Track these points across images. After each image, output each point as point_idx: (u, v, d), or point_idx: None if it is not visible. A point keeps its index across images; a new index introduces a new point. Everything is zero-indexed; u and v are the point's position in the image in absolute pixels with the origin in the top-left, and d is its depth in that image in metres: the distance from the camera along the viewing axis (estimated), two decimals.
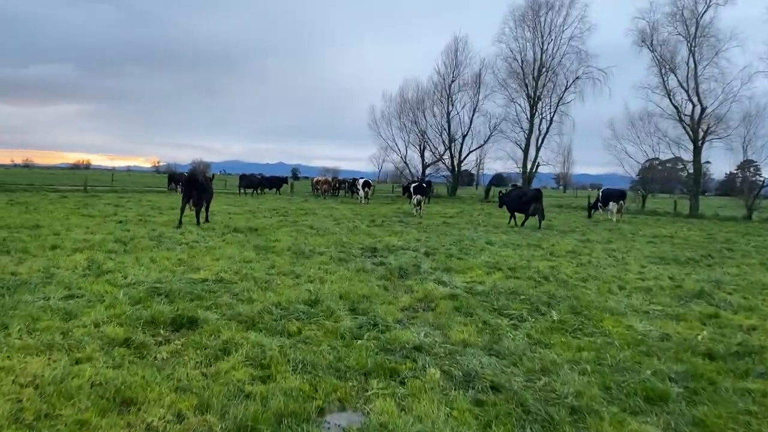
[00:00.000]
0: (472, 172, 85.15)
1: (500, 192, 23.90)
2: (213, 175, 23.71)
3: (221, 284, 7.63)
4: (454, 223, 20.51)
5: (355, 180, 38.29)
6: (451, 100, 49.59)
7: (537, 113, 45.48)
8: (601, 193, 28.19)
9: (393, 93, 54.67)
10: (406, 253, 11.72)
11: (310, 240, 13.05)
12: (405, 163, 52.73)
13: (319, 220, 18.88)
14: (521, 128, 46.10)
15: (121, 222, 15.37)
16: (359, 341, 5.45)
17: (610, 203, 26.94)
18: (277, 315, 6.13)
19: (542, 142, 45.70)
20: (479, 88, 48.45)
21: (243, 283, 7.78)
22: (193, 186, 15.38)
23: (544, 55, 44.49)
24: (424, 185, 27.22)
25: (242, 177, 40.26)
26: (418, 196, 24.52)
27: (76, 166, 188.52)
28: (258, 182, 40.24)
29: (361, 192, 35.01)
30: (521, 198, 20.78)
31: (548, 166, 48.06)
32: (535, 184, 48.44)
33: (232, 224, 15.77)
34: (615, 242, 16.19)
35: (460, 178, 55.92)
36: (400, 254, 11.55)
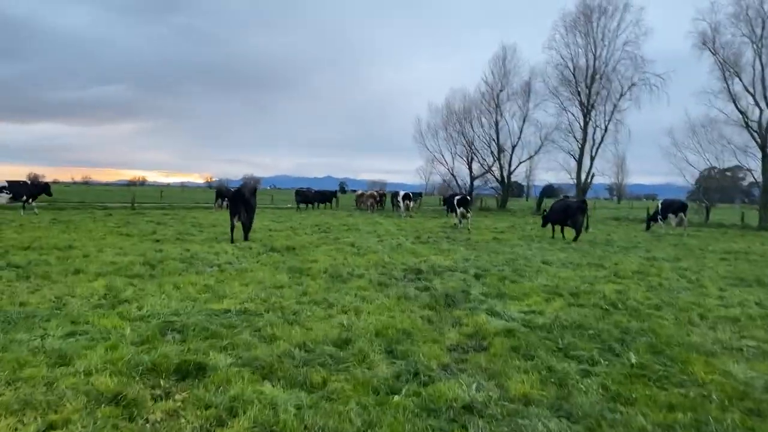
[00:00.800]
0: (522, 183, 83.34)
1: (543, 211, 22.63)
2: (257, 188, 23.33)
3: (244, 316, 6.76)
4: (505, 238, 19.29)
5: (396, 193, 37.39)
6: (500, 110, 48.20)
7: (590, 122, 43.65)
8: (660, 204, 26.44)
9: (439, 104, 53.71)
10: (454, 276, 10.68)
11: (349, 260, 12.15)
12: (452, 175, 51.49)
13: (361, 237, 18.00)
14: (574, 137, 44.33)
15: (158, 241, 14.87)
16: (396, 397, 4.45)
17: (670, 215, 25.28)
18: (300, 360, 5.18)
19: (597, 151, 43.81)
20: (529, 96, 46.98)
21: (268, 315, 6.90)
22: (240, 201, 15.43)
23: (597, 62, 42.74)
24: (468, 198, 26.40)
25: (298, 192, 40.35)
26: (462, 209, 23.88)
27: (132, 183, 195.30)
28: (313, 197, 40.17)
29: (402, 205, 34.20)
30: (566, 210, 19.73)
31: (603, 176, 46.00)
32: (588, 196, 46.55)
33: (270, 243, 15.04)
34: (684, 260, 14.68)
35: (510, 190, 54.26)
36: (447, 277, 10.51)
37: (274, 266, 10.84)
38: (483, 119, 49.25)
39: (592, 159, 43.87)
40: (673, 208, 25.41)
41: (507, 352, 5.82)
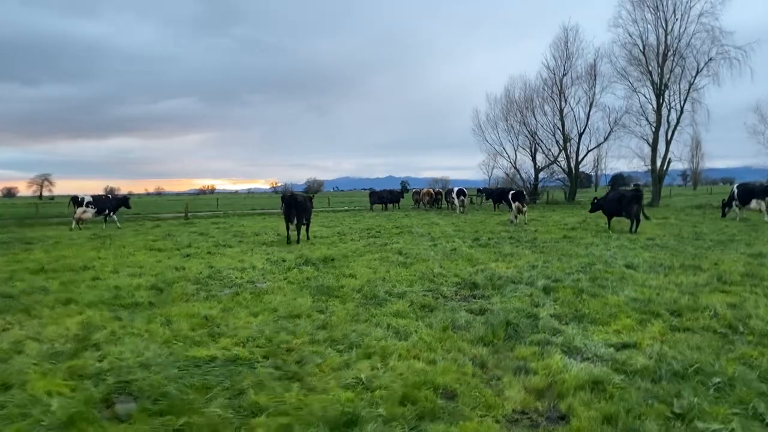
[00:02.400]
0: (590, 173, 78.77)
1: (594, 198, 21.28)
2: (312, 196, 23.30)
3: (231, 368, 5.07)
4: (577, 236, 16.95)
5: (450, 190, 36.72)
6: (564, 96, 44.91)
7: (664, 103, 39.88)
8: (735, 189, 24.19)
9: (498, 94, 50.91)
10: (518, 290, 8.68)
11: (392, 273, 10.33)
12: (515, 168, 48.66)
13: (412, 241, 16.15)
14: (647, 121, 40.57)
15: (187, 256, 13.53)
16: None
17: (753, 200, 22.74)
18: None
19: (672, 135, 39.88)
20: (595, 80, 43.59)
21: (264, 365, 5.18)
22: (293, 206, 16.23)
23: (669, 37, 38.87)
24: (524, 191, 25.31)
25: (372, 193, 40.52)
26: (517, 204, 22.79)
27: (202, 192, 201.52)
28: (387, 197, 39.86)
29: (457, 201, 33.49)
30: (620, 200, 18.64)
31: (681, 161, 42.22)
32: (665, 183, 42.94)
33: (309, 253, 13.44)
34: None
35: (578, 181, 50.87)
36: (510, 292, 8.52)
37: (301, 285, 9.16)
38: (546, 107, 46.20)
39: (668, 143, 40.08)
40: (756, 192, 23.04)
41: (597, 426, 3.86)
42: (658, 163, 40.25)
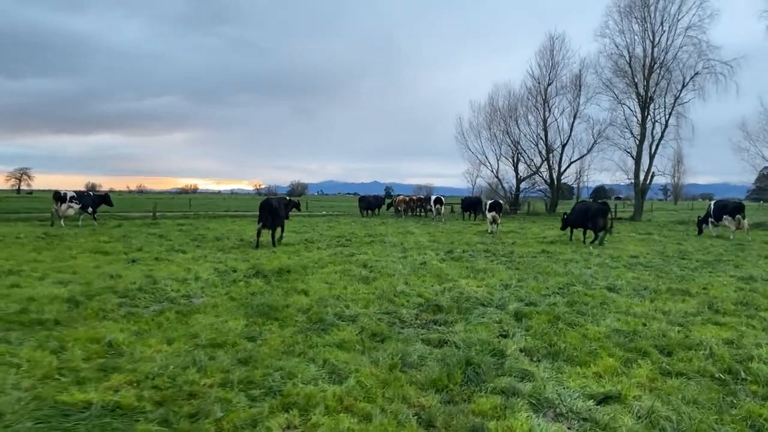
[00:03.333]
0: (572, 185, 78.12)
1: (565, 214, 21.01)
2: (298, 201, 23.28)
3: (102, 424, 3.93)
4: (556, 251, 15.99)
5: (427, 198, 37.44)
6: (548, 106, 44.25)
7: (649, 116, 39.37)
8: (712, 206, 24.12)
9: (482, 102, 50.06)
10: (486, 314, 7.64)
11: (350, 289, 9.23)
12: (497, 177, 47.80)
13: (382, 252, 15.07)
14: (631, 133, 40.05)
15: (133, 261, 12.33)
16: None
17: (725, 217, 22.91)
18: None
19: (656, 149, 39.35)
20: (579, 90, 42.97)
21: (149, 417, 4.06)
22: (267, 210, 16.14)
23: (655, 49, 38.36)
24: (500, 202, 25.28)
25: (362, 199, 40.64)
26: (493, 214, 22.78)
27: (184, 191, 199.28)
28: (375, 203, 40.37)
29: (434, 209, 33.59)
30: (586, 212, 18.74)
31: (665, 176, 41.69)
32: (648, 196, 42.38)
33: (265, 263, 12.32)
34: None
35: (560, 192, 50.14)
36: (476, 317, 7.48)
37: (241, 303, 8.00)
38: (530, 116, 45.47)
39: (652, 157, 39.50)
40: (728, 209, 22.97)
41: None
42: (641, 177, 39.70)
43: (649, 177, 39.78)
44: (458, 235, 21.65)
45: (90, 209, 24.11)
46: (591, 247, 17.20)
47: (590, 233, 18.93)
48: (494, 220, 22.99)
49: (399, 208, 38.25)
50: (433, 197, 34.90)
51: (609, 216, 18.63)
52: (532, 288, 9.73)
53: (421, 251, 15.43)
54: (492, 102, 46.94)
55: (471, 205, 36.46)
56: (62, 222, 22.78)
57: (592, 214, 18.40)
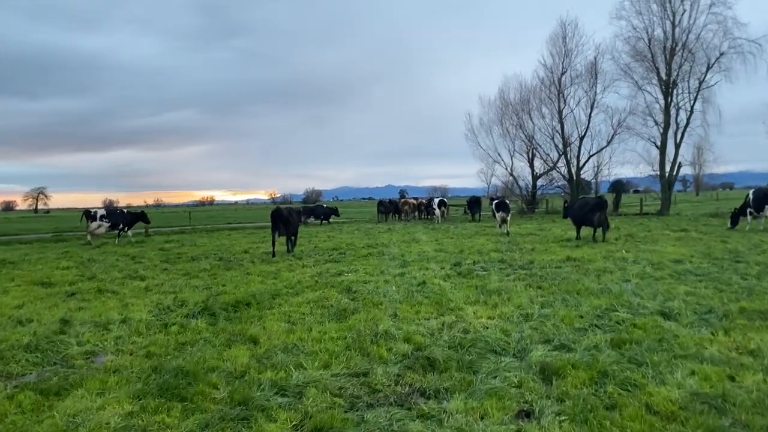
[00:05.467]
0: (590, 179, 74.77)
1: (565, 202, 22.18)
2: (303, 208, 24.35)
3: None
4: (583, 258, 13.50)
5: (431, 199, 36.38)
6: (563, 96, 41.32)
7: (672, 102, 36.55)
8: (751, 195, 21.82)
9: (492, 96, 47.25)
10: (499, 370, 5.31)
11: (314, 332, 6.88)
12: (511, 175, 45.02)
13: (376, 269, 12.72)
14: (654, 121, 37.16)
15: (71, 296, 10.16)
16: None
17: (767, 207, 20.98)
18: None
19: (682, 137, 36.53)
20: (596, 78, 40.00)
21: None
22: (278, 219, 16.33)
23: (677, 30, 35.58)
24: (507, 201, 23.83)
25: (380, 203, 39.34)
26: (502, 213, 21.92)
27: (201, 203, 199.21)
28: (392, 207, 38.85)
29: (437, 212, 32.82)
30: (583, 208, 18.46)
31: (693, 166, 38.87)
32: (676, 188, 39.52)
33: (229, 290, 10.10)
34: None
35: (579, 188, 47.24)
36: (485, 378, 5.13)
37: (154, 366, 5.69)
38: (543, 109, 42.49)
39: (677, 146, 36.63)
40: None
41: None
42: (667, 168, 36.88)
43: (676, 167, 36.97)
44: (469, 241, 19.21)
45: (122, 227, 23.74)
46: (599, 244, 16.89)
47: (592, 229, 18.31)
48: (503, 220, 22.04)
49: (404, 211, 37.09)
50: (436, 200, 34.26)
51: (607, 211, 18.30)
52: (562, 318, 7.32)
53: (423, 265, 13.06)
54: (503, 95, 44.22)
55: (472, 205, 35.47)
56: (90, 240, 22.52)
57: (589, 210, 17.97)
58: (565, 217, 20.43)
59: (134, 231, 25.33)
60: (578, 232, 18.87)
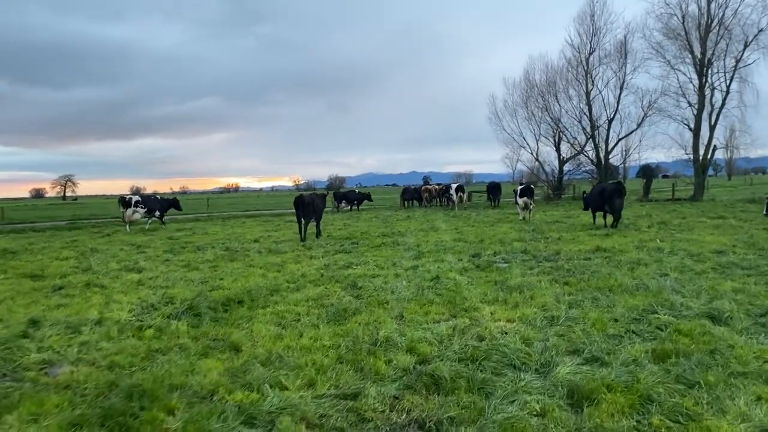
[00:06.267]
0: (619, 164, 72.40)
1: (584, 192, 21.18)
2: (327, 193, 24.77)
3: None
4: (614, 248, 12.40)
5: (448, 186, 35.10)
6: (591, 77, 39.53)
7: (707, 82, 34.70)
8: None
9: (516, 78, 45.52)
10: (518, 391, 4.39)
11: (306, 337, 5.99)
12: (537, 160, 43.42)
13: (388, 260, 11.80)
14: (688, 102, 35.32)
15: (58, 290, 9.45)
16: None
17: None
18: None
19: (717, 119, 34.65)
20: (626, 58, 38.16)
21: None
22: (301, 205, 16.42)
23: (712, 5, 33.71)
24: (532, 186, 22.94)
25: (405, 190, 39.57)
26: (525, 199, 21.31)
27: (226, 190, 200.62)
28: (416, 194, 38.49)
29: (455, 197, 31.81)
30: (601, 194, 17.79)
31: (727, 150, 37.01)
32: (687, 173, 37.66)
33: (226, 285, 9.30)
34: None
35: (608, 173, 45.47)
36: (500, 401, 4.21)
37: (110, 380, 4.87)
38: (570, 90, 40.76)
39: (712, 128, 34.76)
40: None
41: None
42: (701, 152, 35.13)
43: (711, 151, 35.20)
44: (491, 229, 18.16)
45: (157, 213, 23.96)
46: (613, 230, 16.57)
47: (611, 216, 17.70)
48: (526, 206, 21.48)
49: (425, 198, 36.62)
50: (454, 185, 33.04)
51: (624, 196, 17.74)
52: (593, 322, 6.31)
53: (439, 256, 12.10)
54: (528, 77, 42.57)
55: (492, 190, 35.15)
56: (128, 227, 22.57)
57: (608, 195, 17.32)
58: (585, 208, 19.41)
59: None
60: (594, 217, 18.57)
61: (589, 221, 18.89)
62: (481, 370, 4.89)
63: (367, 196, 36.85)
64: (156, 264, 12.45)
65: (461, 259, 11.66)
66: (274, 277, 10.14)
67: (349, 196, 36.92)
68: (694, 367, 4.80)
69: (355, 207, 35.60)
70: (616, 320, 6.43)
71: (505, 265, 10.82)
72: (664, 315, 6.52)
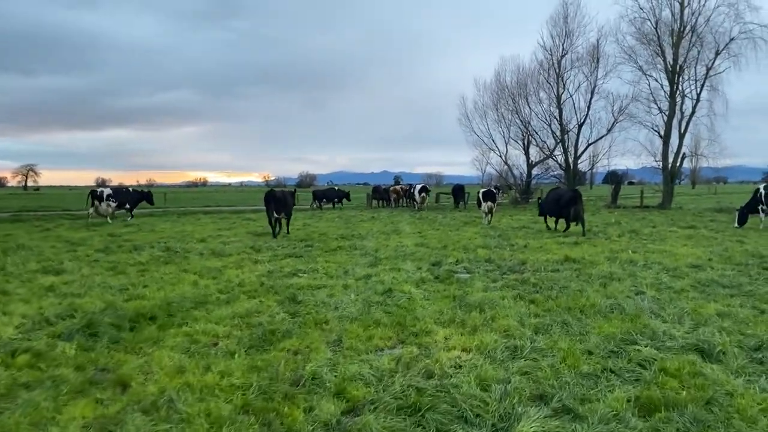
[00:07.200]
0: (586, 170, 72.18)
1: (538, 199, 21.90)
2: (295, 190, 23.94)
3: None
4: (584, 259, 11.50)
5: (411, 186, 35.71)
6: (562, 81, 39.07)
7: (678, 89, 34.40)
8: (763, 189, 19.49)
9: (487, 79, 44.70)
10: None
11: (211, 375, 4.83)
12: (506, 163, 42.72)
13: (340, 267, 10.69)
14: (659, 109, 35.00)
15: None
16: None
17: None
18: None
19: (687, 127, 34.30)
20: (597, 62, 37.71)
21: None
22: (272, 201, 16.42)
23: (686, 12, 33.32)
24: (493, 190, 22.60)
25: (375, 189, 40.16)
26: (489, 203, 21.12)
27: (193, 184, 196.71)
28: (386, 195, 38.83)
29: (418, 198, 32.23)
30: (558, 201, 17.65)
31: (697, 158, 36.83)
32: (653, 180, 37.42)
33: (148, 294, 8.05)
34: None
35: (576, 178, 44.97)
36: None
37: None
38: (541, 93, 40.11)
39: (681, 136, 34.46)
40: None
41: None
42: (670, 159, 34.83)
43: (680, 159, 34.94)
44: (456, 234, 17.19)
45: (127, 206, 23.62)
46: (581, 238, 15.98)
47: (563, 223, 17.85)
48: (489, 210, 21.24)
49: (392, 198, 36.83)
50: (418, 186, 33.39)
51: (582, 203, 17.26)
52: (564, 356, 5.30)
53: (396, 264, 11.03)
54: (499, 78, 41.79)
55: (456, 193, 35.47)
56: (109, 219, 22.41)
57: (564, 203, 17.12)
58: (541, 214, 19.26)
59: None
60: (546, 222, 18.75)
61: (558, 227, 18.05)
62: (423, 427, 3.83)
63: (346, 195, 36.72)
64: (81, 265, 11.11)
65: (420, 268, 10.62)
66: (206, 285, 8.93)
67: (328, 194, 37.01)
68: (690, 426, 3.82)
69: (339, 205, 36.10)
70: (590, 353, 5.44)
71: (467, 275, 9.82)
72: (646, 347, 5.55)
